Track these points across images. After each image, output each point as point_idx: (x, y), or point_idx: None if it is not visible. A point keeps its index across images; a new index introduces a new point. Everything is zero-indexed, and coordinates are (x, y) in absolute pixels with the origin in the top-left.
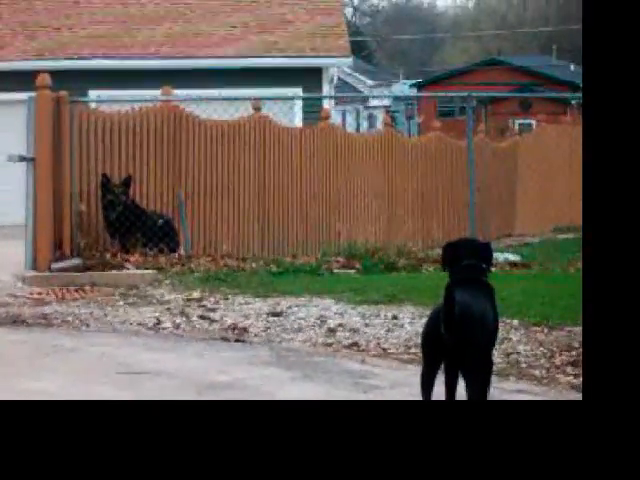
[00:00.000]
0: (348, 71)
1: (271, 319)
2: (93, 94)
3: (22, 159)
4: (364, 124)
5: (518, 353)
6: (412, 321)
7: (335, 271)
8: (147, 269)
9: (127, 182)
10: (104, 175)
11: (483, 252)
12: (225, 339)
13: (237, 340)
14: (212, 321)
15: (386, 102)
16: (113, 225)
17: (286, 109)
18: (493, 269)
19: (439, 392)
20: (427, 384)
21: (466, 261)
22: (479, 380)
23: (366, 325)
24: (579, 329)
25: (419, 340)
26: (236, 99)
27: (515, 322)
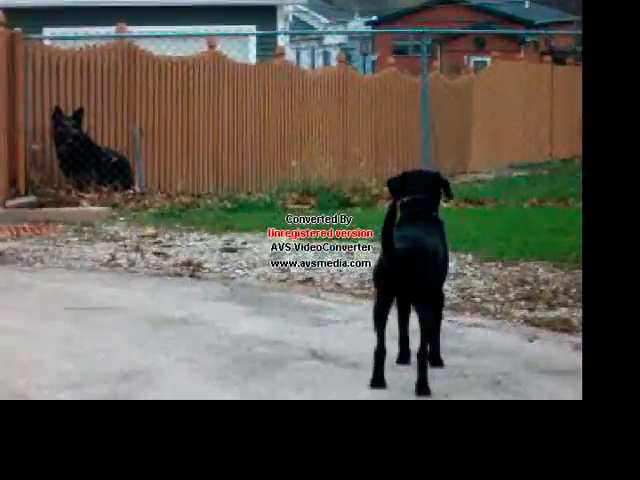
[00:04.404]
0: (304, 9)
1: (225, 255)
2: (48, 31)
3: None
4: (319, 62)
5: (472, 288)
6: (366, 257)
7: (290, 207)
8: (102, 206)
9: (79, 114)
10: (57, 107)
11: (432, 184)
12: (179, 275)
13: (191, 276)
14: (167, 257)
15: (341, 40)
16: (66, 160)
17: (240, 46)
18: (446, 205)
19: (393, 326)
20: (380, 318)
21: (412, 195)
22: (431, 314)
23: (321, 261)
24: (532, 264)
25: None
26: (190, 35)
27: (469, 257)
